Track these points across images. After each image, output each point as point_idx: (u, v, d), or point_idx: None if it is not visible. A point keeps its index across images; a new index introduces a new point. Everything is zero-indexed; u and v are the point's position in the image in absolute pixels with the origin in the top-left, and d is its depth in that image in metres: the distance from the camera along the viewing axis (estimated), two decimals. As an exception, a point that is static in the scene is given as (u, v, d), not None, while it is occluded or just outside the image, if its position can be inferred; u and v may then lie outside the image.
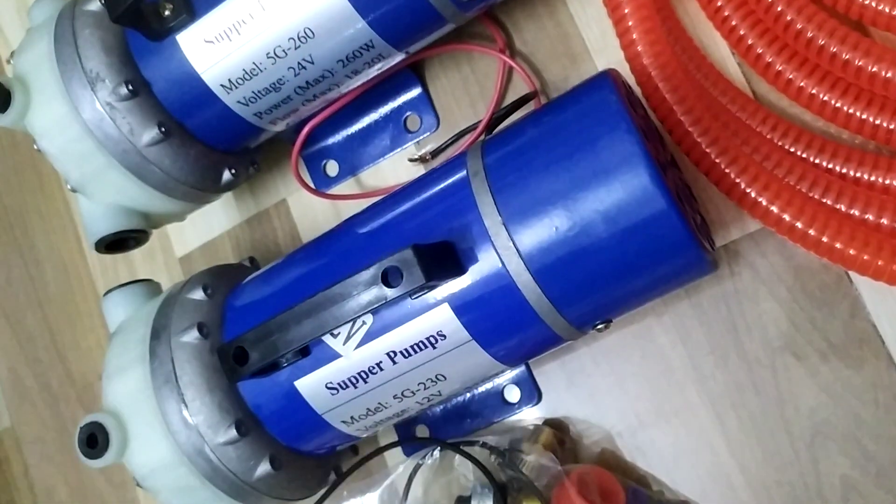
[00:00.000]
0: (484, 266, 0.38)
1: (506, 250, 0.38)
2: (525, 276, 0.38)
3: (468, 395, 0.51)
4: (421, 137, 0.55)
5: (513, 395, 0.51)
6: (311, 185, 0.56)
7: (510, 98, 0.52)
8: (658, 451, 0.48)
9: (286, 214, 0.59)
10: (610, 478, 0.47)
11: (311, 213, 0.58)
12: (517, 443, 0.48)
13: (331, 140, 0.57)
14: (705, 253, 0.38)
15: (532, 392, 0.51)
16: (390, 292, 0.36)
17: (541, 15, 0.51)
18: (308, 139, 0.52)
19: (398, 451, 0.54)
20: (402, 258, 0.36)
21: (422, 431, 0.53)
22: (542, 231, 0.37)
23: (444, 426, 0.52)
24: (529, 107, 0.49)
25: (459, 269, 0.38)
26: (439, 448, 0.50)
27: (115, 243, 0.50)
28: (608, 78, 0.39)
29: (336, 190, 0.57)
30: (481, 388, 0.51)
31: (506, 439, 0.49)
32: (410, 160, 0.55)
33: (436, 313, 0.39)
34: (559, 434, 0.49)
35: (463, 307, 0.39)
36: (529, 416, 0.51)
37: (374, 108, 0.55)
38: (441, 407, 0.52)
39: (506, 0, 0.51)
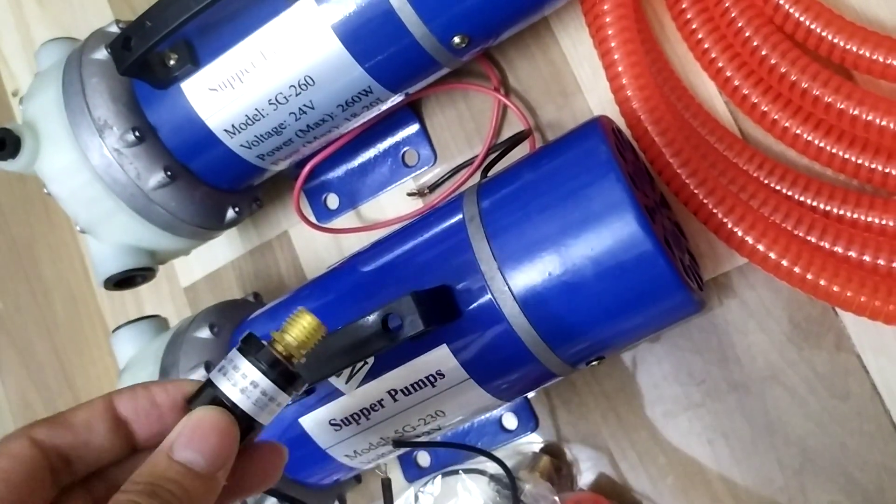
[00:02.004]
0: (480, 309, 0.40)
1: (501, 294, 0.39)
2: (520, 318, 0.39)
3: (467, 423, 0.53)
4: (418, 172, 0.56)
5: (510, 422, 0.53)
6: (313, 219, 0.58)
7: (505, 134, 0.54)
8: (652, 478, 0.50)
9: (288, 246, 0.61)
10: (606, 504, 0.48)
11: (312, 244, 0.60)
12: (515, 471, 0.50)
13: (331, 174, 0.58)
14: (693, 294, 0.39)
15: (529, 419, 0.52)
16: (391, 338, 0.37)
17: (534, 54, 0.53)
18: (310, 174, 0.54)
19: (401, 477, 0.55)
20: (402, 305, 0.37)
21: (423, 459, 0.54)
22: (535, 275, 0.39)
23: (444, 453, 0.54)
24: (524, 144, 0.51)
25: (456, 313, 0.40)
26: (441, 475, 0.52)
27: (124, 281, 0.51)
28: (598, 126, 0.40)
29: (337, 222, 0.59)
30: (480, 417, 0.53)
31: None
32: (409, 194, 0.56)
33: (434, 354, 0.41)
34: (556, 461, 0.51)
35: (460, 348, 0.40)
36: (527, 442, 0.53)
37: (373, 144, 0.57)
38: (440, 435, 0.53)
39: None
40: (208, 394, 0.29)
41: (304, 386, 0.30)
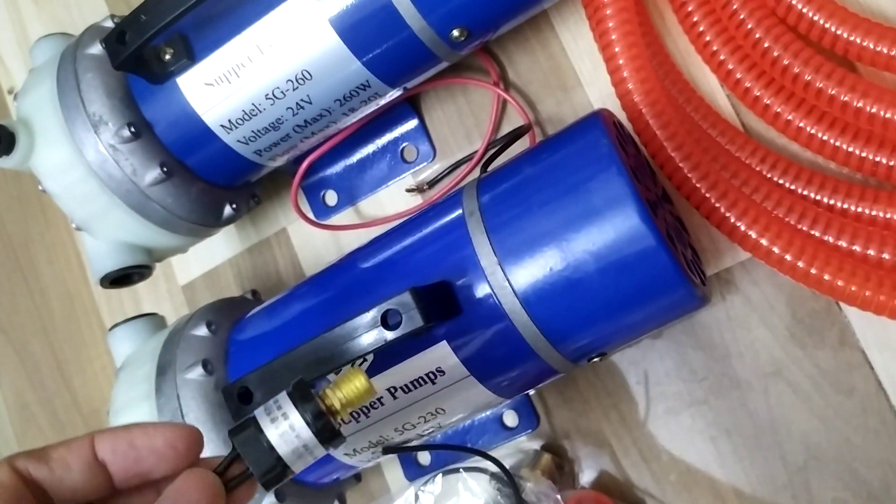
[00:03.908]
0: (480, 305, 0.39)
1: (501, 289, 0.39)
2: (521, 314, 0.39)
3: (468, 421, 0.52)
4: (418, 167, 0.56)
5: (511, 420, 0.52)
6: (311, 216, 0.57)
7: (505, 129, 0.53)
8: (654, 475, 0.49)
9: (286, 243, 0.60)
10: (608, 502, 0.48)
11: (310, 241, 0.59)
12: (516, 469, 0.49)
13: (330, 171, 0.58)
14: (695, 288, 0.39)
15: (530, 417, 0.52)
16: (390, 335, 0.37)
17: (534, 48, 0.52)
18: (308, 170, 0.53)
19: (401, 476, 0.55)
20: (401, 301, 0.37)
21: (423, 457, 0.54)
22: (536, 270, 0.38)
23: (444, 452, 0.53)
24: (524, 139, 0.50)
25: (457, 310, 0.39)
26: (442, 473, 0.51)
27: (120, 278, 0.51)
28: (599, 119, 0.40)
29: (335, 219, 0.58)
30: (480, 415, 0.52)
31: (505, 465, 0.50)
32: (408, 190, 0.56)
33: (434, 351, 0.40)
34: (558, 459, 0.50)
35: (461, 345, 0.40)
36: (528, 440, 0.52)
37: (371, 140, 0.56)
38: (440, 433, 0.52)
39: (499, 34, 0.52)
40: (251, 433, 0.29)
41: (341, 444, 0.30)
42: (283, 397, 0.29)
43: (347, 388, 0.30)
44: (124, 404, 0.46)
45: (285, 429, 0.29)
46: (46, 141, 0.47)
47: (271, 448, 0.29)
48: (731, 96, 0.48)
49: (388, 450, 0.44)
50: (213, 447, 0.43)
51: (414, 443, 0.46)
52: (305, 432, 0.29)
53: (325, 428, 0.29)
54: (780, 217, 0.43)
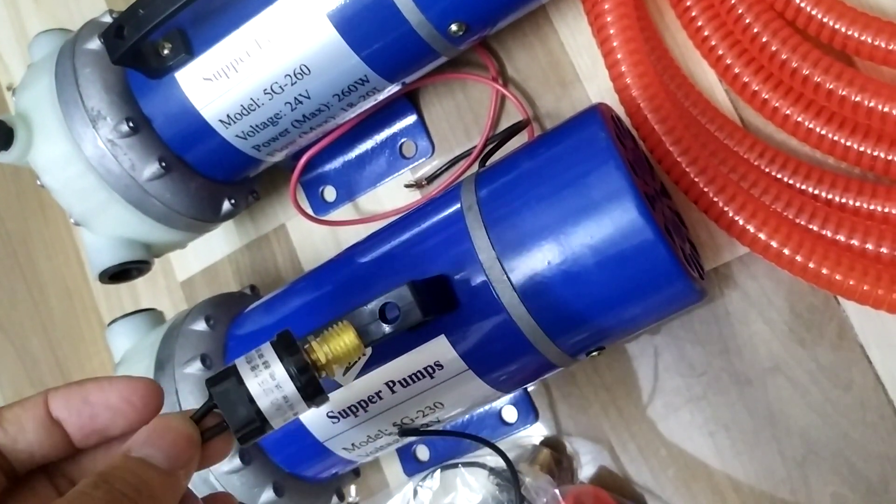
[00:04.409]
0: (479, 299, 0.39)
1: (500, 283, 0.39)
2: (519, 308, 0.39)
3: (466, 416, 0.52)
4: (416, 163, 0.56)
5: (510, 415, 0.52)
6: (310, 211, 0.57)
7: (504, 124, 0.53)
8: (653, 470, 0.49)
9: (285, 239, 0.60)
10: (606, 497, 0.48)
11: (309, 237, 0.59)
12: (515, 464, 0.49)
13: (328, 166, 0.58)
14: (694, 282, 0.39)
15: (529, 412, 0.52)
16: (388, 328, 0.37)
17: (532, 43, 0.52)
18: (306, 166, 0.53)
19: (400, 471, 0.55)
20: (400, 295, 0.37)
21: (422, 452, 0.54)
22: (534, 264, 0.38)
23: (443, 447, 0.53)
24: (523, 134, 0.50)
25: (455, 303, 0.39)
26: (440, 469, 0.51)
27: (119, 273, 0.51)
28: (597, 113, 0.40)
29: (334, 214, 0.58)
30: (479, 409, 0.52)
31: (504, 460, 0.50)
32: (406, 185, 0.56)
33: (433, 345, 0.40)
34: (556, 454, 0.50)
35: (459, 339, 0.40)
36: (527, 435, 0.52)
37: (370, 135, 0.56)
38: (440, 428, 0.52)
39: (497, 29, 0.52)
40: (231, 382, 0.27)
41: (324, 402, 0.29)
42: (266, 347, 0.28)
43: (335, 342, 0.29)
44: (123, 399, 0.46)
45: (266, 379, 0.27)
46: (45, 136, 0.47)
47: (251, 400, 0.27)
48: (729, 91, 0.48)
49: (404, 432, 0.43)
50: (212, 442, 0.44)
51: (412, 437, 0.45)
52: (289, 386, 0.27)
53: (310, 383, 0.28)
54: (778, 211, 0.43)
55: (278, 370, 0.27)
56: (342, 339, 0.29)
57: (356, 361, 0.31)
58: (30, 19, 0.72)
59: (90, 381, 0.29)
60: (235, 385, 0.27)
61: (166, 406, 0.43)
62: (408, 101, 0.55)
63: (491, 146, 0.48)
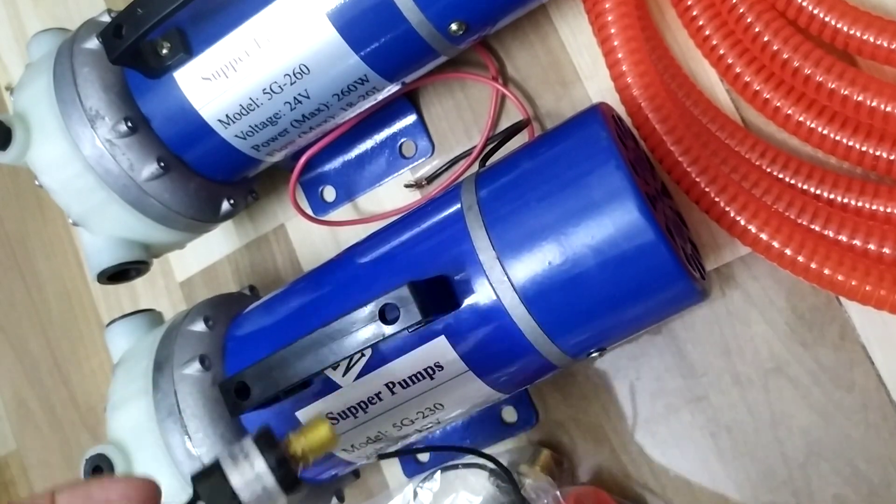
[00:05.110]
0: (479, 300, 0.39)
1: (500, 284, 0.38)
2: (520, 308, 0.38)
3: (466, 417, 0.52)
4: (416, 163, 0.55)
5: (510, 416, 0.52)
6: (309, 212, 0.57)
7: (504, 124, 0.53)
8: (654, 472, 0.49)
9: (284, 239, 0.60)
10: (607, 498, 0.48)
11: (309, 237, 0.59)
12: (515, 465, 0.49)
13: (328, 166, 0.57)
14: (695, 283, 0.38)
15: (529, 413, 0.52)
16: (388, 329, 0.36)
17: (532, 43, 0.52)
18: (306, 166, 0.53)
19: (400, 472, 0.55)
20: (399, 295, 0.36)
21: (422, 454, 0.54)
22: (535, 265, 0.38)
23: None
24: (523, 134, 0.50)
25: (455, 304, 0.39)
26: (440, 470, 0.51)
27: (118, 274, 0.51)
28: (598, 112, 0.40)
29: (333, 215, 0.58)
30: (479, 410, 0.52)
31: (504, 461, 0.50)
32: (406, 185, 0.55)
33: (433, 345, 0.40)
34: (557, 455, 0.50)
35: (459, 339, 0.40)
36: (527, 436, 0.52)
37: (370, 135, 0.56)
38: (439, 429, 0.52)
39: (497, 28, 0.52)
40: (216, 478, 0.30)
41: (301, 494, 0.31)
42: (247, 443, 0.30)
43: (311, 436, 0.31)
44: (121, 400, 0.46)
45: (249, 476, 0.29)
46: (43, 136, 0.47)
47: (233, 495, 0.29)
48: (730, 91, 0.47)
49: (382, 456, 0.45)
50: (210, 444, 0.43)
51: (413, 438, 0.45)
52: (268, 478, 0.29)
53: (288, 476, 0.30)
54: (780, 212, 0.43)
55: (259, 465, 0.30)
56: (318, 433, 0.31)
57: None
58: (28, 18, 0.72)
59: (94, 480, 0.31)
60: (220, 481, 0.30)
61: (166, 408, 0.43)
62: (407, 100, 0.55)
63: (491, 146, 0.48)
